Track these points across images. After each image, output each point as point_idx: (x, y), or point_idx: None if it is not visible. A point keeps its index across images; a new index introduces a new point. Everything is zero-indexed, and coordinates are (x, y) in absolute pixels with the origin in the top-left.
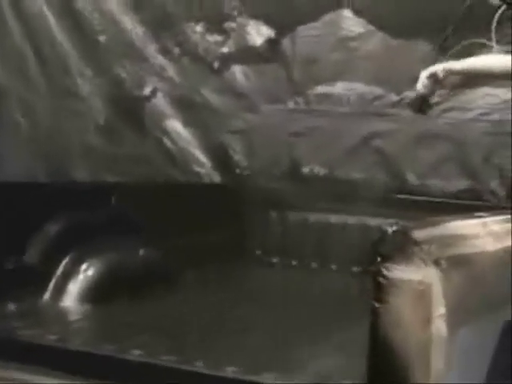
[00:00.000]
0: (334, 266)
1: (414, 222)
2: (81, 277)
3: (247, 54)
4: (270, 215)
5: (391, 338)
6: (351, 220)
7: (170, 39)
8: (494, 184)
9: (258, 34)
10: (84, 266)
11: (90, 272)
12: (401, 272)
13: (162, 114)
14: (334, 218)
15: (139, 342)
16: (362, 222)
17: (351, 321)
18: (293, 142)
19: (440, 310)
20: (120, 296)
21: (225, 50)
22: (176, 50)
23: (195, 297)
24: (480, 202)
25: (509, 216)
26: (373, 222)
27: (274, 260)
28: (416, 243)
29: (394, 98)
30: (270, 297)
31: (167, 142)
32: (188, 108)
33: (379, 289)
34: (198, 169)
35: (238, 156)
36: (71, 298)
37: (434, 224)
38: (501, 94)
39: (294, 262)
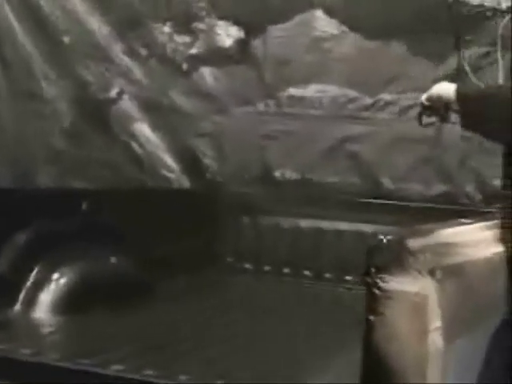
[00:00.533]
0: (307, 272)
1: (402, 229)
2: (53, 286)
3: (216, 56)
4: (241, 220)
5: (386, 351)
6: (325, 225)
7: (136, 40)
8: (470, 188)
9: (227, 34)
10: (56, 276)
11: (62, 281)
12: (397, 283)
13: (129, 117)
14: (306, 223)
15: (118, 356)
16: (335, 227)
17: (327, 327)
18: (264, 145)
19: (436, 322)
20: (94, 306)
21: (193, 51)
22: (143, 51)
23: (171, 307)
24: (456, 206)
25: (494, 221)
26: (347, 226)
27: (247, 266)
28: (411, 253)
29: (369, 100)
30: (246, 306)
31: (135, 146)
32: (156, 111)
33: (374, 300)
34: (167, 173)
35: (208, 160)
36: (43, 308)
37: (426, 232)
38: None
39: (266, 268)
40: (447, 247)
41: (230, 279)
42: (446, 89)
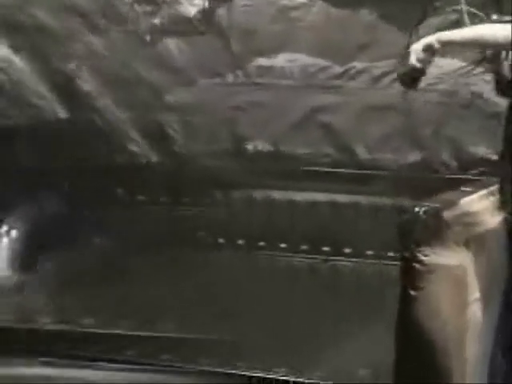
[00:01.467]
0: (282, 245)
1: (434, 200)
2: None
3: (180, 26)
4: (213, 194)
5: (427, 325)
6: (298, 196)
7: (95, 11)
8: (446, 155)
9: (191, 3)
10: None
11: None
12: (437, 257)
13: (90, 90)
14: (280, 195)
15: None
16: (310, 198)
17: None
18: (234, 117)
19: (475, 293)
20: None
21: (156, 21)
22: (103, 23)
23: (152, 285)
24: (432, 175)
25: (491, 188)
26: (321, 197)
27: (220, 241)
28: (448, 225)
29: (339, 69)
30: (225, 282)
31: (98, 121)
32: (119, 84)
33: (414, 275)
34: (133, 148)
35: (176, 134)
36: None
37: (451, 203)
38: (445, 64)
39: (240, 242)
40: (473, 217)
41: (204, 255)
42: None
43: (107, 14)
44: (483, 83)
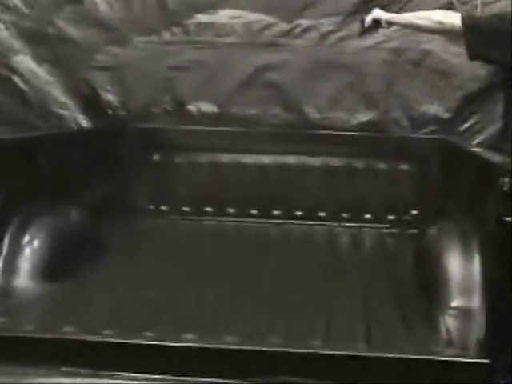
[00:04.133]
0: (230, 210)
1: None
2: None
3: None
4: (152, 159)
5: None
6: (246, 159)
7: None
8: (397, 114)
9: None
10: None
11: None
12: None
13: (8, 49)
14: (226, 158)
15: None
16: (258, 161)
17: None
18: (173, 77)
19: None
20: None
21: None
22: None
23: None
24: (383, 134)
25: None
26: (269, 160)
27: (163, 208)
28: None
29: (285, 26)
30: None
31: (18, 82)
32: (41, 42)
33: None
34: (60, 111)
35: (109, 95)
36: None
37: None
38: None
39: (185, 209)
40: None
41: (145, 222)
42: (449, 16)
43: None
44: (434, 40)
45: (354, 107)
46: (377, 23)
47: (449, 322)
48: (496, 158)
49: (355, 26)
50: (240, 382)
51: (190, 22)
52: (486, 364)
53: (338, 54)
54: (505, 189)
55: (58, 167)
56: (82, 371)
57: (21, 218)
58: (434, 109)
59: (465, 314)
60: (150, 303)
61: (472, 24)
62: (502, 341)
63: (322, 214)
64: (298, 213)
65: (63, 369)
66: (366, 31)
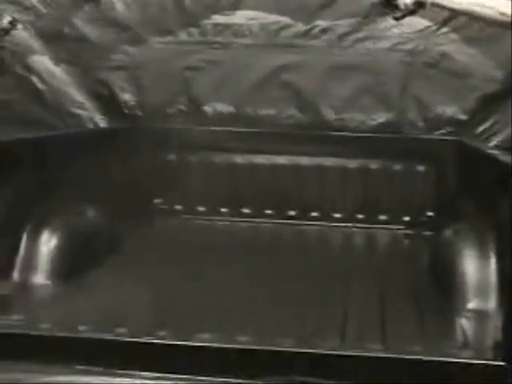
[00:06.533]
0: (245, 210)
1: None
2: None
3: None
4: (167, 158)
5: None
6: (260, 160)
7: None
8: (413, 115)
9: None
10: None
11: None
12: None
13: (25, 48)
14: (241, 159)
15: None
16: (273, 162)
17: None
18: (189, 77)
19: None
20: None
21: None
22: None
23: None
24: (399, 135)
25: None
26: (285, 161)
27: (178, 208)
28: None
29: (302, 27)
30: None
31: (36, 82)
32: (58, 42)
33: None
34: (77, 111)
35: (126, 95)
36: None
37: None
38: (413, 23)
39: (199, 209)
40: None
41: (160, 222)
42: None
43: None
44: (450, 43)
45: (370, 108)
46: (420, 5)
47: (464, 324)
48: None
49: (371, 28)
50: (253, 382)
51: (207, 22)
52: (502, 366)
53: (355, 55)
54: None
55: (74, 167)
56: (96, 369)
57: (38, 216)
58: (451, 110)
59: (480, 315)
60: (164, 302)
61: None
62: None
63: (337, 215)
64: (313, 213)
65: (78, 367)
66: (404, 15)
